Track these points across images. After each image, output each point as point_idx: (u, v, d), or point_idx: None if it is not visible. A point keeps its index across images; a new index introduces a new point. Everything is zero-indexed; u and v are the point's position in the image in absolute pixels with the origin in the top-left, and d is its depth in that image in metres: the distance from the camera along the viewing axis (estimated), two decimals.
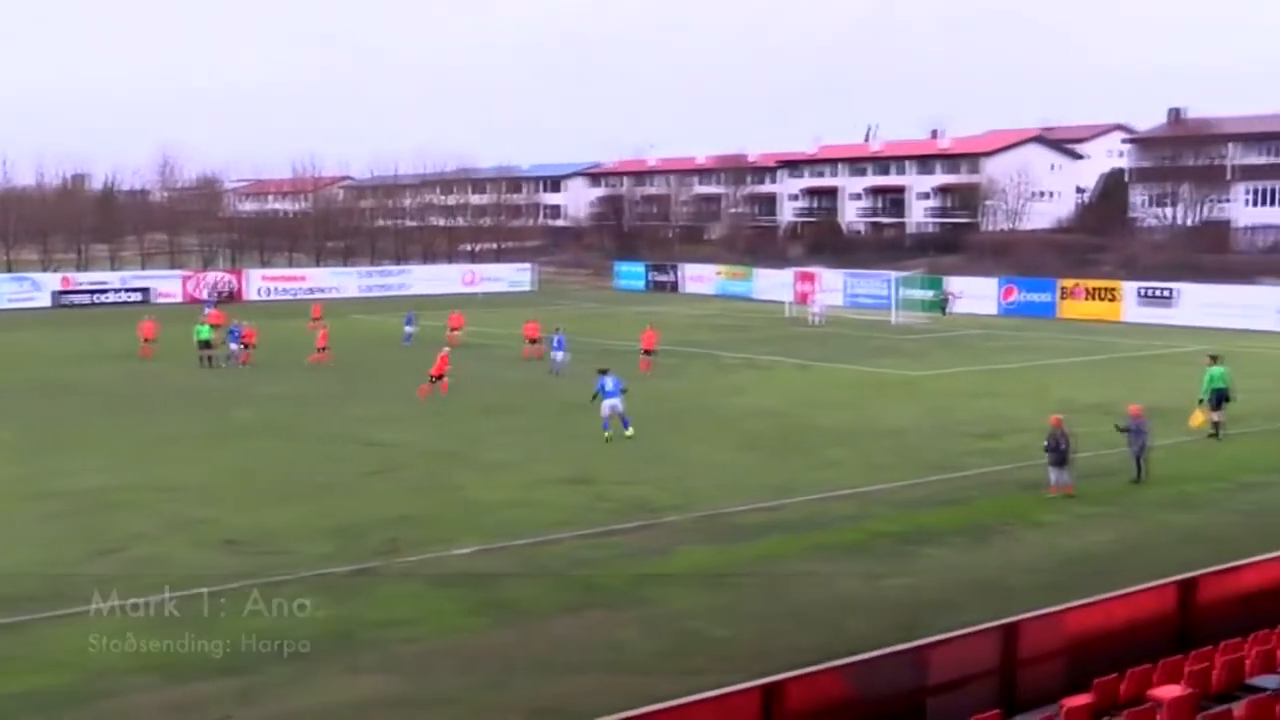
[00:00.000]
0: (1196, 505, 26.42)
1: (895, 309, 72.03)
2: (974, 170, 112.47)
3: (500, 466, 30.26)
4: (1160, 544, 23.23)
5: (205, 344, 50.85)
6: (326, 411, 38.96)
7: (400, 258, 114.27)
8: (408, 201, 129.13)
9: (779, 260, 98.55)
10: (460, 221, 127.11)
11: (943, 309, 74.75)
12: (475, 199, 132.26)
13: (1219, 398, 34.12)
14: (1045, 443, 27.55)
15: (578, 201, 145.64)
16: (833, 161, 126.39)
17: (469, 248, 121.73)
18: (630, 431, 33.65)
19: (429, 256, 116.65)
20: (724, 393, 42.89)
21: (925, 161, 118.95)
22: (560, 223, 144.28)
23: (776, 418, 37.27)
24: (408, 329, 59.32)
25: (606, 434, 33.55)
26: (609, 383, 34.17)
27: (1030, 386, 43.95)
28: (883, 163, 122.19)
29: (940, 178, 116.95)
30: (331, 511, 25.68)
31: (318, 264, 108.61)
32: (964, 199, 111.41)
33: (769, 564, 21.80)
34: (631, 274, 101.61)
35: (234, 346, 50.85)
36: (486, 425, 36.36)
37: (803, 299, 78.12)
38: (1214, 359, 35.33)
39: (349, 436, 34.51)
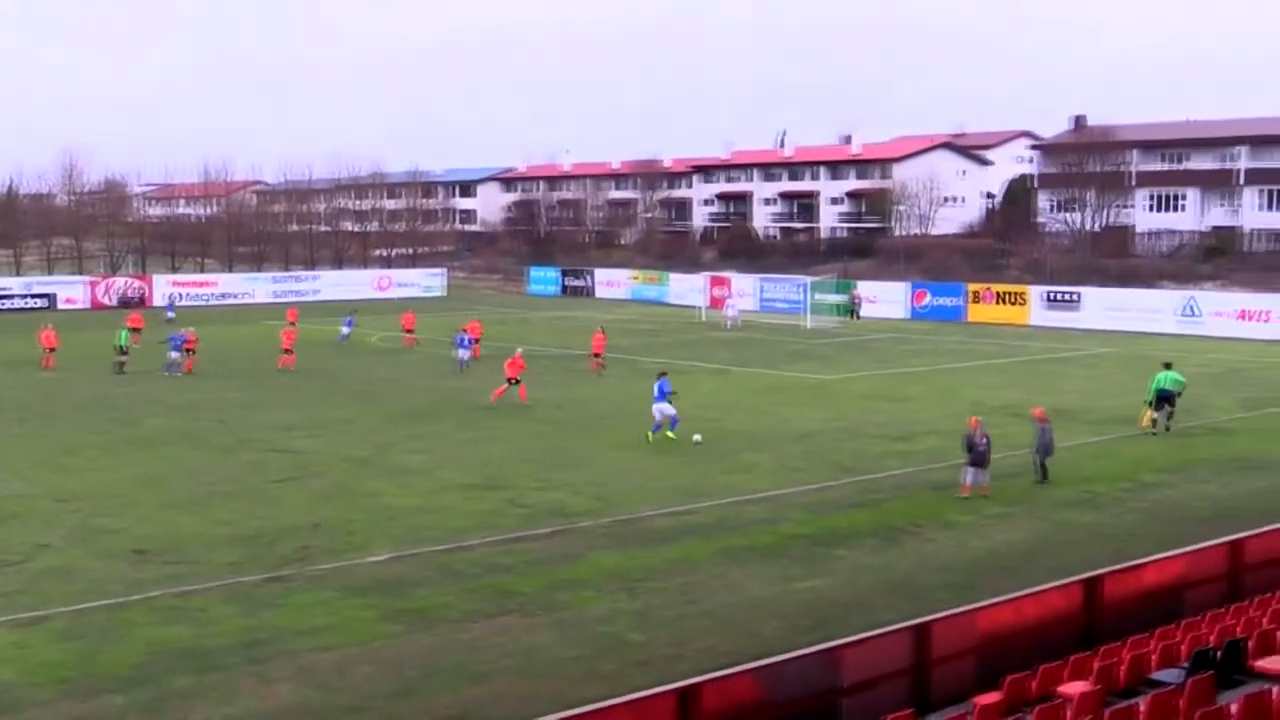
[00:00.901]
0: (1100, 504, 26.84)
1: (808, 313, 72.57)
2: (884, 176, 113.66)
3: (412, 472, 30.06)
4: (1067, 543, 23.58)
5: (122, 350, 49.66)
6: (238, 418, 38.46)
7: (312, 263, 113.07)
8: (320, 206, 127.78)
9: (692, 265, 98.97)
10: (373, 226, 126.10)
11: (853, 313, 75.43)
12: (388, 204, 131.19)
13: (1162, 399, 35.81)
14: (964, 443, 27.96)
15: (491, 206, 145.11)
16: (745, 167, 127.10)
17: (382, 253, 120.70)
18: (656, 434, 34.22)
19: (341, 262, 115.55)
20: (639, 398, 42.68)
21: (836, 167, 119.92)
22: (473, 228, 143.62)
23: (691, 422, 37.30)
24: (344, 330, 60.45)
25: (652, 436, 34.00)
26: (655, 389, 34.99)
27: (940, 389, 44.44)
28: (795, 168, 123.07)
29: (851, 183, 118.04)
30: (242, 519, 25.32)
31: (229, 269, 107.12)
32: (874, 204, 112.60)
33: (683, 568, 21.80)
34: (545, 279, 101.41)
35: (175, 355, 49.54)
36: (398, 431, 36.07)
37: (717, 304, 78.42)
38: (1166, 365, 37.04)
39: (261, 443, 34.08)
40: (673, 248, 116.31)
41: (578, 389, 45.45)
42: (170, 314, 71.16)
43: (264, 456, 32.09)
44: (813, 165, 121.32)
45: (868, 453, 32.51)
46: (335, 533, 24.26)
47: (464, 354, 50.83)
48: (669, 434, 34.06)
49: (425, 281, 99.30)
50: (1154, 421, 35.52)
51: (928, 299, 75.80)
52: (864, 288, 78.57)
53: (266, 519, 25.33)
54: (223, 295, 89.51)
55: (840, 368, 50.92)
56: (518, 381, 40.86)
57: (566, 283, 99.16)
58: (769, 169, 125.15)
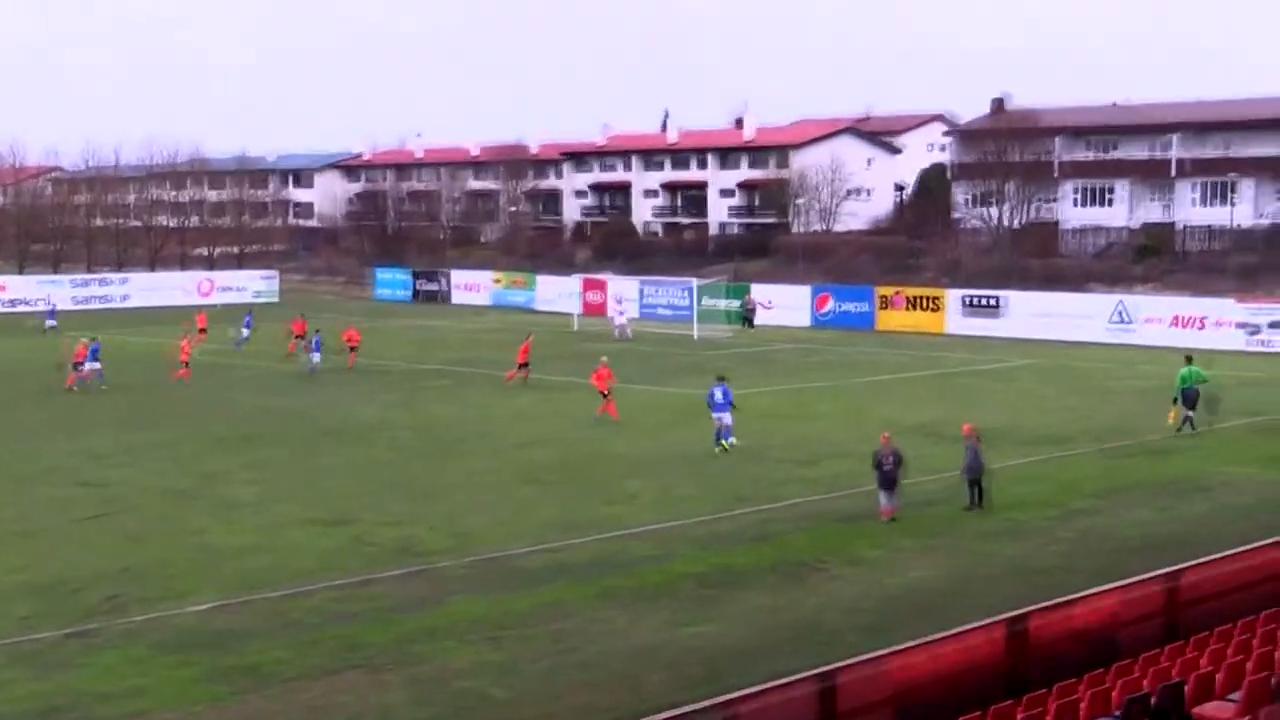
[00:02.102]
0: (1025, 534, 27.40)
1: (696, 321, 73.02)
2: (782, 164, 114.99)
3: (243, 506, 29.82)
4: (988, 577, 24.01)
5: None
6: (38, 444, 37.82)
7: (122, 263, 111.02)
8: (131, 197, 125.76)
9: (565, 266, 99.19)
10: (193, 221, 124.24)
11: (748, 321, 76.05)
12: (211, 195, 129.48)
13: (1189, 396, 38.98)
14: (875, 462, 28.46)
15: (331, 198, 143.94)
16: (624, 153, 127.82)
17: (204, 251, 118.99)
18: (726, 443, 36.00)
19: (157, 262, 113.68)
20: (504, 418, 42.93)
21: (728, 154, 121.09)
22: (311, 223, 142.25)
23: (564, 446, 37.40)
24: (244, 332, 62.52)
25: (717, 447, 35.94)
26: (718, 394, 36.55)
27: (849, 407, 45.06)
28: (681, 155, 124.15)
29: (744, 172, 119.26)
30: (39, 564, 24.78)
31: (19, 271, 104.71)
32: (771, 197, 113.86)
33: (555, 613, 21.82)
34: (394, 282, 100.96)
35: (92, 365, 50.08)
36: (227, 458, 35.73)
37: (595, 310, 78.48)
38: (1188, 360, 40.62)
39: (65, 473, 33.52)
40: (542, 246, 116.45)
41: (433, 408, 45.36)
42: (51, 322, 72.29)
43: (68, 491, 31.52)
44: (700, 152, 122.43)
45: (767, 479, 32.80)
46: (151, 578, 23.87)
47: (316, 358, 53.26)
48: (724, 445, 35.93)
49: (255, 285, 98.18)
50: (1187, 420, 38.90)
51: (832, 304, 76.74)
52: (759, 291, 79.29)
53: (69, 564, 24.84)
54: (12, 302, 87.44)
55: (734, 383, 51.06)
56: (607, 394, 42.65)
57: (419, 286, 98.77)
58: (651, 156, 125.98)
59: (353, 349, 57.05)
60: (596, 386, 42.37)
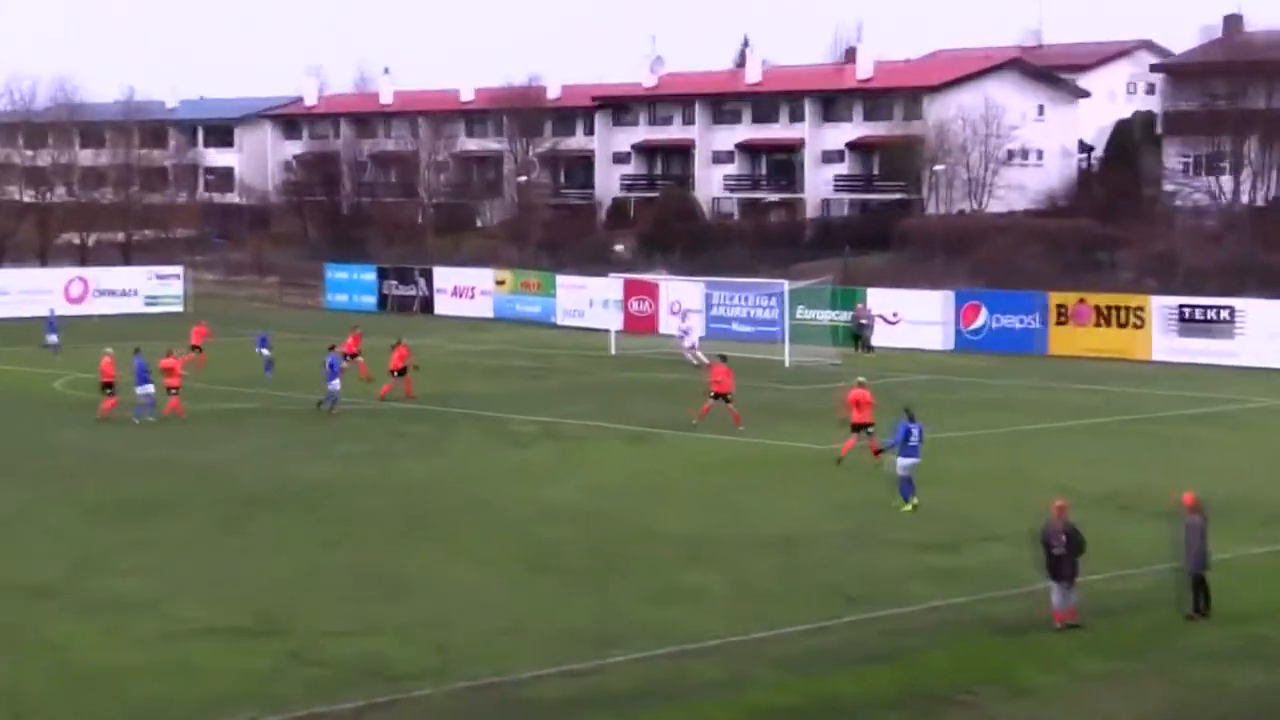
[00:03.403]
0: (1274, 656, 26.98)
1: (788, 341, 72.59)
2: (912, 115, 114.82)
3: (129, 607, 29.68)
4: None
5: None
6: None
7: None
8: None
9: (597, 261, 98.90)
10: (58, 194, 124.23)
11: (862, 341, 75.54)
12: (85, 156, 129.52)
13: None
14: (1040, 540, 28.28)
15: (261, 162, 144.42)
16: (684, 100, 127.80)
17: (74, 238, 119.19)
18: (909, 505, 37.71)
19: (3, 253, 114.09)
20: (509, 478, 43.00)
21: (833, 101, 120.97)
22: (231, 198, 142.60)
23: (593, 520, 37.34)
24: (264, 353, 64.65)
25: (907, 505, 37.56)
26: (914, 432, 38.13)
27: (1005, 466, 44.80)
28: (765, 102, 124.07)
29: (857, 127, 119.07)
30: None
31: None
32: (896, 162, 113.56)
33: None
34: (352, 284, 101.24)
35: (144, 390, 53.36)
36: (108, 535, 35.74)
37: (641, 325, 78.20)
38: None
39: None
40: (564, 233, 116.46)
41: (407, 463, 45.47)
42: (53, 338, 74.09)
43: None
44: (793, 98, 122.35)
45: (886, 570, 32.66)
46: None
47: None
48: (910, 504, 37.62)
49: (150, 287, 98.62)
50: None
51: (984, 318, 76.33)
52: (878, 299, 78.94)
53: None
54: None
55: (840, 430, 50.46)
56: (728, 398, 47.54)
57: (388, 290, 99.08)
58: (722, 103, 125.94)
59: (396, 372, 58.23)
60: (718, 389, 49.86)
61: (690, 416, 51.14)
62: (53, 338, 73.88)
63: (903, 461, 38.16)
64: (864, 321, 76.77)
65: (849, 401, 44.80)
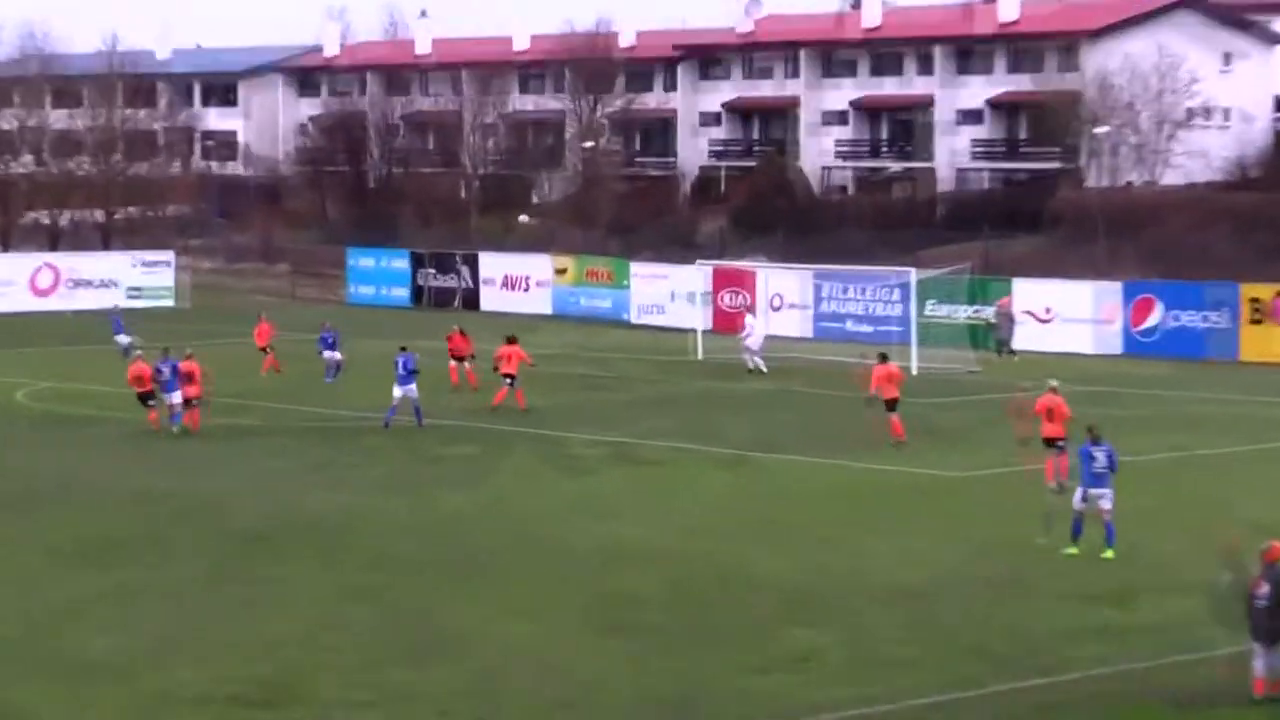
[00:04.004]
0: None
1: (915, 344, 72.13)
2: (1067, 67, 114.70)
3: (103, 670, 29.33)
4: None
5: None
6: None
7: None
8: None
9: (680, 246, 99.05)
10: (25, 162, 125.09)
11: (1004, 344, 75.04)
12: (60, 118, 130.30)
13: None
14: (1240, 591, 27.54)
15: (272, 126, 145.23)
16: (786, 49, 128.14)
17: (44, 217, 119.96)
18: (1074, 548, 37.65)
19: None
20: (570, 512, 42.69)
21: (969, 50, 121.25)
22: (237, 169, 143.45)
23: (674, 564, 36.94)
24: (333, 355, 66.23)
25: (1073, 548, 37.31)
26: (1100, 458, 37.93)
27: (1189, 499, 44.33)
28: (883, 50, 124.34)
29: (999, 81, 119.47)
30: None
31: None
32: (1047, 124, 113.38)
33: None
34: (381, 273, 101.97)
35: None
36: (77, 583, 35.51)
37: (733, 323, 77.95)
38: None
39: None
40: (639, 212, 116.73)
41: (446, 494, 45.20)
42: (124, 338, 74.27)
43: None
44: (919, 45, 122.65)
45: (1040, 628, 32.15)
46: None
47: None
48: (1107, 552, 37.24)
49: (136, 278, 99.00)
50: None
51: (1158, 315, 75.80)
52: (1025, 292, 78.85)
53: None
54: None
55: (981, 454, 51.01)
56: (893, 406, 50.26)
57: (424, 282, 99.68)
58: (832, 52, 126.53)
59: (508, 377, 58.62)
60: (887, 394, 50.95)
61: (889, 440, 51.38)
62: (124, 338, 73.57)
63: (1081, 493, 37.49)
64: (1004, 318, 76.29)
65: (1039, 410, 44.62)
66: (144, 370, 54.20)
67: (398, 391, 54.95)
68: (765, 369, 69.54)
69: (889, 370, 49.52)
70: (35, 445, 52.71)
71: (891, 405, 50.25)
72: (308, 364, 67.28)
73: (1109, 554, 36.66)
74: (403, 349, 56.33)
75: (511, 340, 59.49)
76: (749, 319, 74.42)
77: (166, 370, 54.10)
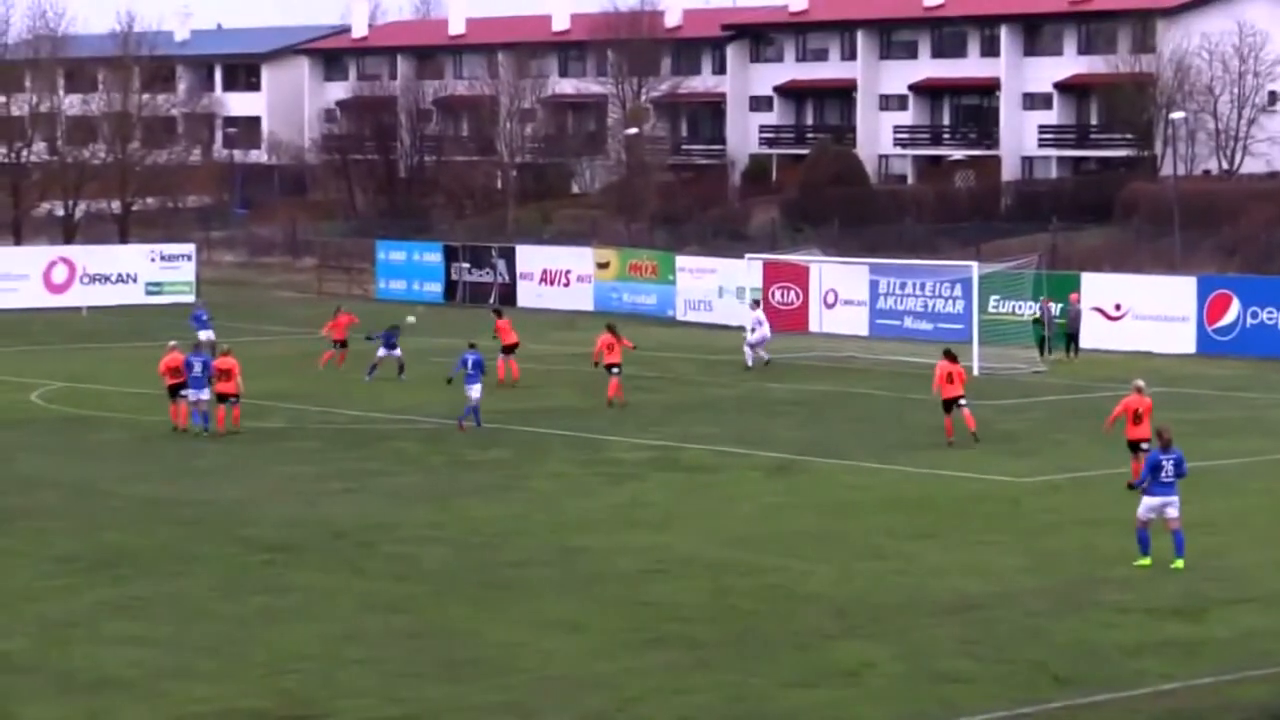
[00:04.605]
0: None
1: (976, 342, 71.96)
2: (1142, 47, 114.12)
3: (118, 685, 28.97)
4: None
5: None
6: None
7: None
8: None
9: (731, 238, 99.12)
10: (38, 150, 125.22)
11: (1072, 341, 74.71)
12: (73, 103, 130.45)
13: None
14: None
15: (296, 111, 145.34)
16: (845, 27, 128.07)
17: (55, 207, 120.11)
18: (1145, 559, 37.40)
19: None
20: (611, 521, 42.37)
21: (1038, 27, 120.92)
22: (259, 156, 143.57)
23: (721, 575, 36.52)
24: (395, 352, 66.57)
25: (1144, 559, 37.22)
26: (1168, 466, 37.71)
27: (1266, 508, 43.93)
28: (951, 29, 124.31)
29: (1070, 63, 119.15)
30: None
31: None
32: (1120, 108, 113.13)
33: None
34: (414, 268, 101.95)
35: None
36: (91, 594, 35.16)
37: (786, 321, 78.02)
38: None
39: None
40: (687, 203, 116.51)
41: (476, 501, 44.90)
42: (205, 329, 74.47)
43: None
44: (987, 24, 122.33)
45: (1104, 642, 31.67)
46: None
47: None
48: (1177, 563, 36.95)
49: (153, 271, 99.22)
50: None
51: (1237, 311, 75.28)
52: (1095, 286, 78.51)
53: None
54: None
55: (1047, 458, 50.84)
56: (959, 402, 51.02)
57: (458, 276, 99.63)
58: (892, 31, 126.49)
59: (613, 367, 59.95)
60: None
61: (967, 434, 52.00)
62: (207, 334, 72.96)
63: (1148, 501, 37.20)
64: (1071, 314, 75.68)
65: (1124, 411, 44.88)
66: (178, 360, 54.17)
67: (474, 391, 55.06)
68: (767, 357, 70.12)
69: (949, 368, 49.73)
70: (49, 450, 52.36)
71: (948, 406, 50.74)
72: (347, 363, 67.31)
73: (1178, 565, 36.13)
74: (471, 345, 56.45)
75: (611, 328, 60.12)
76: (758, 315, 74.32)
77: (197, 365, 53.89)
